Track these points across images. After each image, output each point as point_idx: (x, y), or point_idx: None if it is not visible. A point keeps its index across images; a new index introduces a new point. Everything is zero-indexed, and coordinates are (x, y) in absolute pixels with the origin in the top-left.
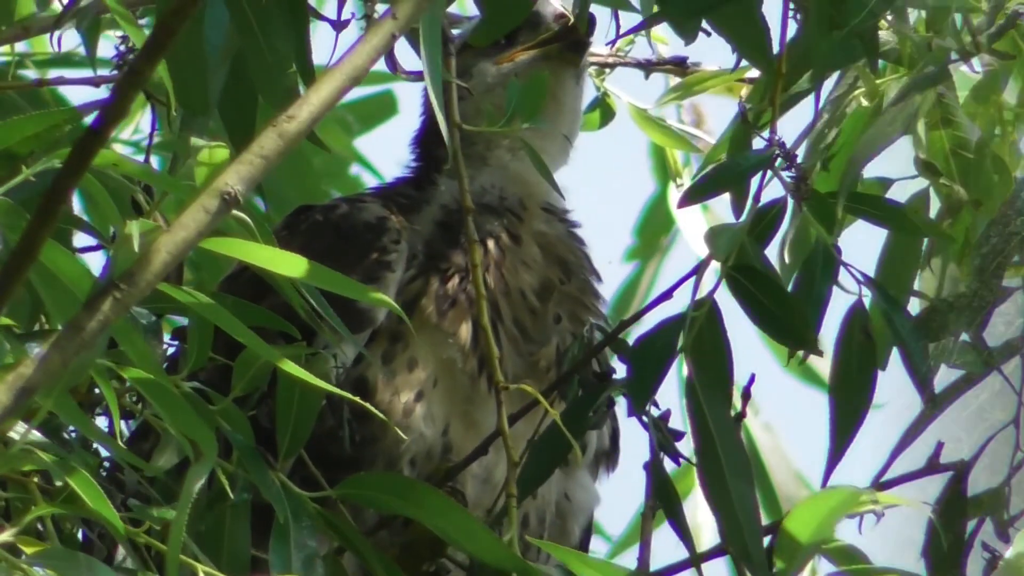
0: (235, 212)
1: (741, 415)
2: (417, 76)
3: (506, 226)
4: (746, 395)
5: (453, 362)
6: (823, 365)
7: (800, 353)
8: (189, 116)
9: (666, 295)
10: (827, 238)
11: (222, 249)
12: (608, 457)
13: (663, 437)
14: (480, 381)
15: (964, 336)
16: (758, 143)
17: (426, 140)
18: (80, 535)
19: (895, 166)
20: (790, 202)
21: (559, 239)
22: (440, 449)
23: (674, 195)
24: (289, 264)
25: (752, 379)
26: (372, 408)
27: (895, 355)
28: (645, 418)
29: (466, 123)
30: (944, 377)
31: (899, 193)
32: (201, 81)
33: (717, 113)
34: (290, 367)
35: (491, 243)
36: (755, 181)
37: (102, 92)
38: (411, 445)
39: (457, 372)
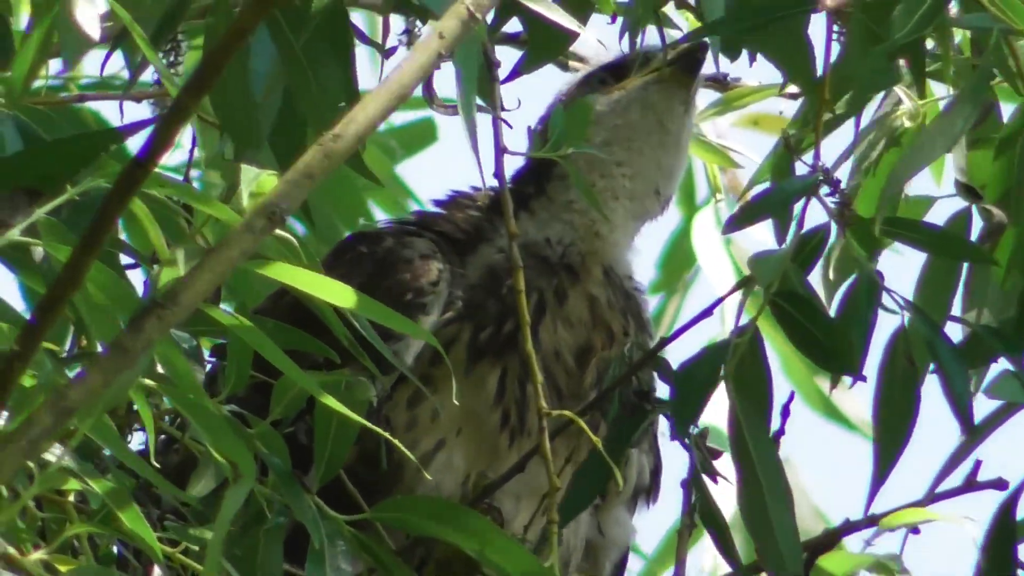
0: (279, 232)
1: (780, 432)
2: (452, 109)
3: (555, 284)
4: (785, 412)
5: (480, 413)
6: (844, 402)
7: (838, 380)
8: (240, 150)
9: (706, 312)
10: (870, 265)
11: (266, 271)
12: (648, 493)
13: (702, 456)
14: (502, 437)
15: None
16: (800, 168)
17: (531, 171)
18: (116, 552)
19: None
20: (833, 226)
21: (610, 305)
22: (458, 500)
23: (701, 219)
24: (332, 290)
25: (792, 396)
26: (399, 444)
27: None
28: (686, 438)
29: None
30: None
31: (942, 210)
32: (251, 117)
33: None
34: (328, 399)
35: (534, 299)
36: (798, 207)
37: (144, 109)
38: (427, 494)
39: (483, 423)
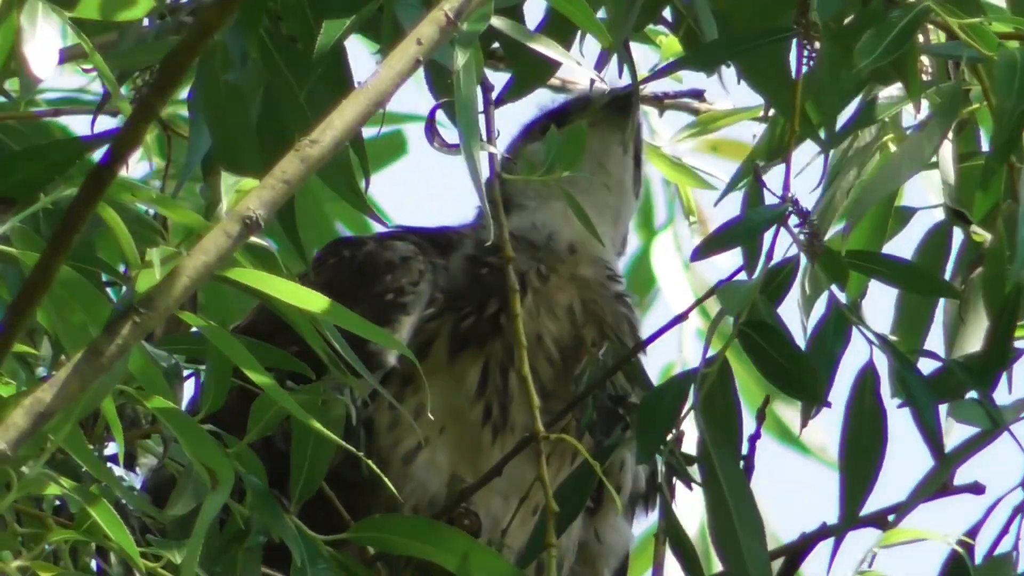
0: (255, 239)
1: (756, 436)
2: (453, 148)
3: (539, 267)
4: (761, 415)
5: (463, 410)
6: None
7: (808, 415)
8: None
9: (680, 318)
10: (839, 298)
11: (242, 279)
12: (645, 499)
13: (676, 462)
14: (485, 430)
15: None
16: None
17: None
18: (95, 567)
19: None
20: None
21: (603, 297)
22: (444, 498)
23: (661, 242)
24: (308, 299)
25: (767, 400)
26: (366, 459)
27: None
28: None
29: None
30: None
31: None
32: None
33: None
34: (304, 415)
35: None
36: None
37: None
38: (412, 493)
39: (466, 420)
